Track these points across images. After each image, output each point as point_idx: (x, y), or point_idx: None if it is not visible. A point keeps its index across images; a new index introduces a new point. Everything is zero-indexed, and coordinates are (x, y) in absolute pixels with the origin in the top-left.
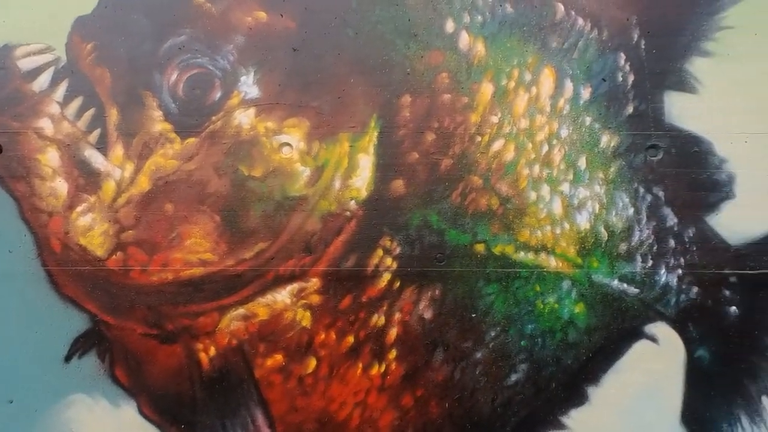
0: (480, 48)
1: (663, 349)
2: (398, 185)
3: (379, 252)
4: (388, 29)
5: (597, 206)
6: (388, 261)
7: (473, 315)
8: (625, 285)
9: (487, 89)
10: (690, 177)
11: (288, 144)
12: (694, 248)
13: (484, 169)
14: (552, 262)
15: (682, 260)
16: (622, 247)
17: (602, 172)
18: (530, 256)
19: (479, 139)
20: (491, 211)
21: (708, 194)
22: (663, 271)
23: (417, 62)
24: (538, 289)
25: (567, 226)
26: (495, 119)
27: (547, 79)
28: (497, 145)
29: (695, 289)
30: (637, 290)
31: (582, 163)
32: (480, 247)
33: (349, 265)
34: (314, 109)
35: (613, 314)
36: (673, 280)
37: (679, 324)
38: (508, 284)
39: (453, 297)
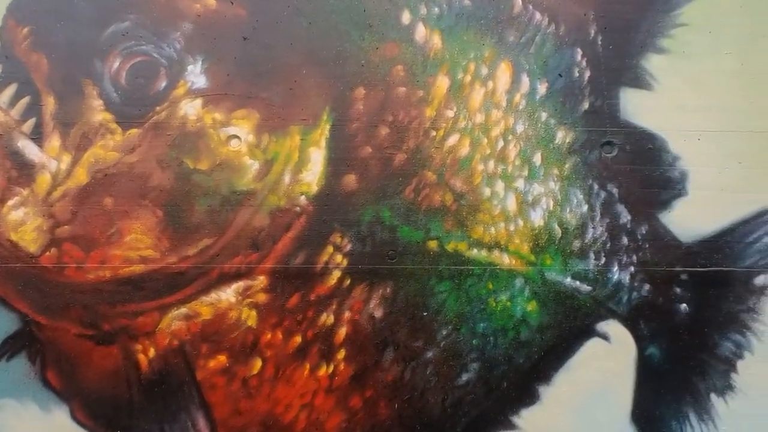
0: (436, 41)
1: (614, 347)
2: (350, 180)
3: (329, 249)
4: (342, 19)
5: (551, 203)
6: (339, 258)
7: (425, 313)
8: (577, 282)
9: (442, 83)
10: (644, 174)
11: (236, 136)
12: (647, 245)
13: (438, 164)
14: (505, 260)
15: (634, 258)
16: (576, 244)
17: (557, 168)
18: (483, 253)
19: (434, 133)
20: (445, 208)
21: (661, 191)
22: (616, 268)
23: (372, 54)
24: (490, 286)
25: (521, 222)
26: (450, 113)
27: (504, 73)
28: (452, 140)
29: (647, 287)
30: (589, 288)
31: (537, 159)
32: (433, 244)
33: (298, 263)
34: (264, 101)
35: (566, 312)
36: (626, 278)
37: (630, 322)
38: (460, 282)
39: (404, 295)
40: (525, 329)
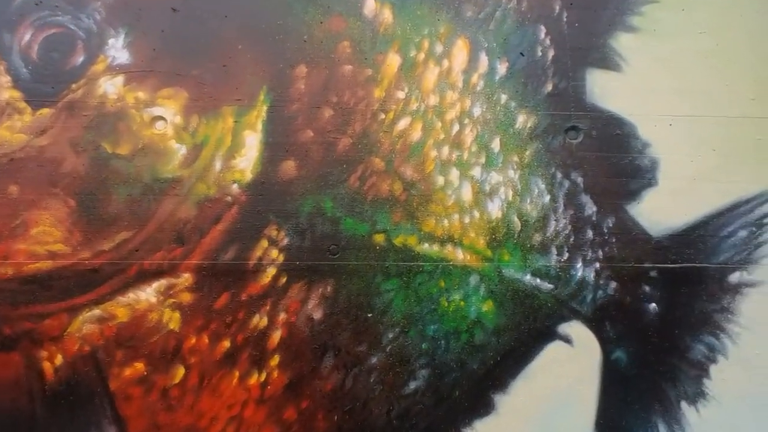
0: (387, 15)
1: (577, 351)
2: (289, 167)
3: (264, 243)
4: None
5: (510, 193)
6: (274, 253)
7: (369, 315)
8: (538, 280)
9: (393, 61)
10: (611, 162)
11: (162, 118)
12: (613, 240)
13: (387, 150)
14: (459, 255)
15: (600, 253)
16: (536, 238)
17: (517, 155)
18: (435, 248)
19: (383, 116)
20: (393, 198)
21: (629, 181)
22: (579, 264)
23: (315, 29)
24: (442, 284)
25: (477, 214)
26: (401, 95)
27: (461, 51)
28: (403, 123)
29: (613, 285)
30: (551, 286)
31: (496, 145)
32: (379, 238)
33: (228, 258)
34: (194, 79)
35: (525, 313)
36: (590, 275)
37: (595, 323)
38: (409, 280)
39: (347, 294)
40: (480, 332)
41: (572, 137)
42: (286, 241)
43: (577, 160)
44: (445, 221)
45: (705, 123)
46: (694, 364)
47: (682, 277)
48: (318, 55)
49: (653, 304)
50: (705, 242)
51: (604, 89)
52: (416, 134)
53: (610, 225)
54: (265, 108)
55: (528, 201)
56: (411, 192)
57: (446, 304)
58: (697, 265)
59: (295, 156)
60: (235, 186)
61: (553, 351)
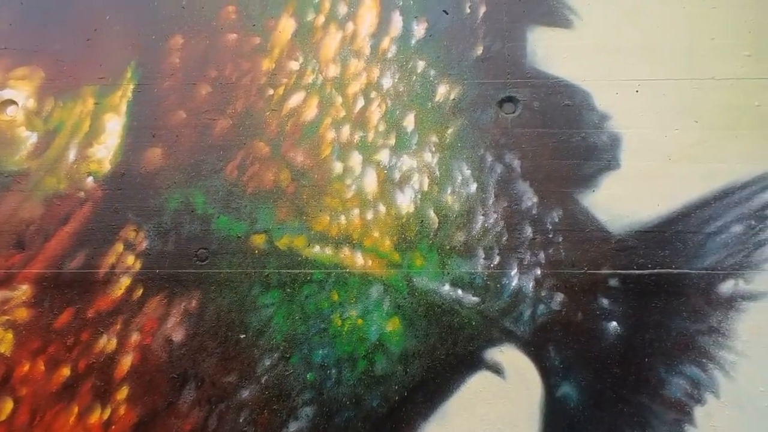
0: None
1: (511, 384)
2: (154, 155)
3: (119, 247)
4: None
5: (426, 181)
6: (130, 260)
7: (242, 336)
8: (459, 291)
9: (286, 26)
10: (557, 140)
11: (13, 102)
12: (560, 239)
13: (274, 132)
14: (358, 260)
15: (542, 256)
16: (459, 237)
17: (436, 134)
18: (328, 251)
19: (271, 92)
20: (279, 190)
21: (582, 164)
22: (514, 271)
23: None
24: (336, 298)
25: (382, 209)
26: (294, 66)
27: (369, 11)
28: (295, 99)
29: (559, 297)
30: (476, 299)
31: (409, 122)
32: (259, 240)
33: (75, 266)
34: (53, 56)
35: (441, 334)
36: (529, 285)
37: (535, 348)
38: (294, 292)
39: (215, 310)
40: (382, 358)
41: (507, 110)
42: (145, 244)
43: (513, 138)
44: (342, 218)
45: (683, 87)
46: (671, 404)
47: (654, 286)
48: (197, 23)
49: (614, 323)
50: (685, 241)
51: (550, 50)
52: (311, 112)
53: (556, 220)
54: (131, 87)
55: (449, 191)
56: (301, 182)
57: (340, 323)
58: (675, 271)
59: (163, 142)
60: (90, 179)
61: (477, 384)
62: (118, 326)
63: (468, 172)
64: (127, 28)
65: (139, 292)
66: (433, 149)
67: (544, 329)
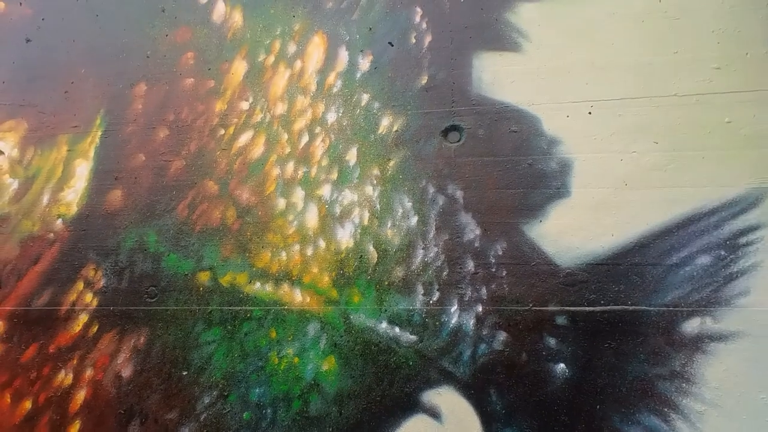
0: (237, 18)
1: (448, 429)
2: (115, 197)
3: (79, 285)
4: (134, 7)
5: (366, 215)
6: (88, 297)
7: (184, 373)
8: (397, 329)
9: (238, 68)
10: (503, 168)
11: (1, 152)
12: (504, 273)
13: (223, 170)
14: (297, 297)
15: (483, 291)
16: (397, 273)
17: (378, 167)
18: (268, 288)
19: (222, 132)
20: (225, 227)
21: (529, 192)
22: (454, 308)
23: (160, 43)
24: (273, 335)
25: (322, 244)
26: (245, 105)
27: (317, 48)
28: (244, 138)
29: (502, 336)
30: (413, 337)
31: (351, 156)
32: (204, 277)
33: (41, 303)
34: (36, 108)
35: (377, 374)
36: (469, 322)
37: (475, 391)
38: (234, 329)
39: (161, 347)
40: (317, 398)
41: (452, 140)
42: (102, 282)
43: (457, 168)
44: (283, 254)
45: (642, 106)
46: None
47: (607, 325)
48: (159, 70)
49: (562, 365)
50: (642, 274)
51: (497, 76)
52: (258, 150)
53: (500, 253)
54: (99, 133)
55: (389, 225)
56: (245, 219)
57: (276, 361)
58: (631, 307)
59: (124, 184)
60: (59, 221)
61: (414, 428)
62: (75, 361)
63: (409, 205)
64: (99, 79)
65: (95, 328)
66: (375, 182)
67: (485, 371)
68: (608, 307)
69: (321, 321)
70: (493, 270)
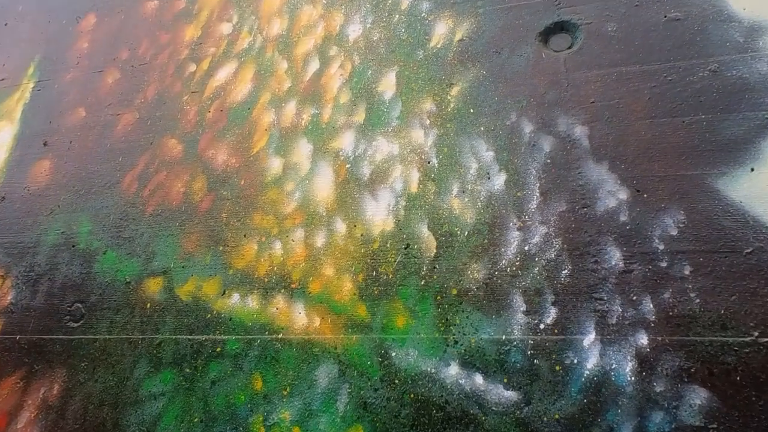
0: None
1: None
2: (41, 170)
3: None
4: None
5: (415, 177)
6: None
7: None
8: (479, 378)
9: None
10: (661, 81)
11: None
12: (687, 269)
13: (191, 122)
14: (298, 318)
15: (647, 306)
16: (474, 273)
17: (433, 98)
18: (252, 303)
19: (192, 68)
20: (189, 207)
21: (718, 120)
22: (591, 337)
23: None
24: (258, 385)
25: (342, 227)
26: (226, 28)
27: None
28: (223, 73)
29: (699, 396)
30: (512, 395)
31: (387, 85)
32: (153, 286)
33: None
34: None
35: None
36: (625, 366)
37: None
38: (195, 372)
39: (82, 403)
40: None
41: (558, 46)
42: (10, 296)
43: (571, 89)
44: (277, 246)
45: None
46: None
47: None
48: None
49: None
50: None
51: None
52: (242, 88)
53: (672, 231)
54: (31, 85)
55: (454, 190)
56: (220, 193)
57: None
58: None
59: (54, 151)
60: None
61: None
62: None
63: (489, 155)
64: (38, 17)
65: None
66: (428, 123)
67: None
68: None
69: (340, 361)
70: (663, 265)
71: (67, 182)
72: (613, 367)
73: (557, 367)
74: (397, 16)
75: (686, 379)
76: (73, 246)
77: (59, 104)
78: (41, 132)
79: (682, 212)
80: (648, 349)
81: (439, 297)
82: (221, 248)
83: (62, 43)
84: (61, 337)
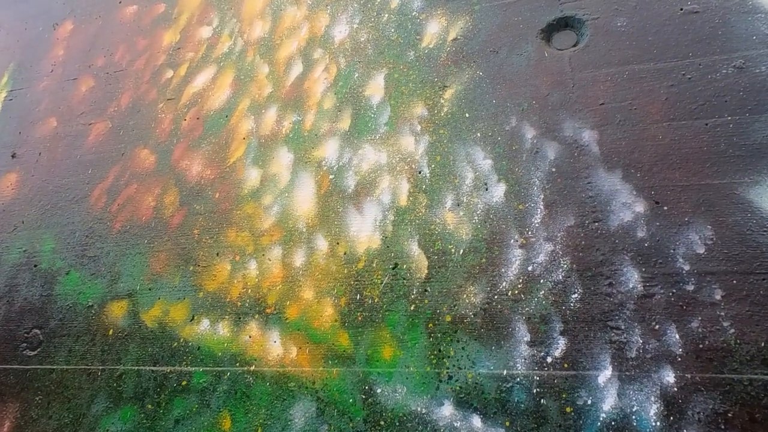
0: None
1: None
2: (7, 184)
3: None
4: None
5: (404, 189)
6: None
7: None
8: (476, 421)
9: None
10: (679, 80)
11: None
12: (718, 294)
13: (165, 131)
14: (273, 348)
15: (673, 337)
16: (471, 297)
17: (424, 102)
18: (223, 330)
19: (169, 74)
20: (159, 223)
21: (748, 122)
22: (606, 374)
23: None
24: (226, 425)
25: (324, 245)
26: (206, 32)
27: None
28: (201, 79)
29: None
30: None
31: (375, 89)
32: (117, 310)
33: None
34: None
35: None
36: (648, 410)
37: None
38: (158, 408)
39: None
40: None
41: (562, 43)
42: None
43: (577, 90)
44: (252, 265)
45: None
46: None
47: None
48: (94, 2)
49: None
50: None
51: None
52: (220, 95)
53: (699, 250)
54: (3, 95)
55: (448, 203)
56: (193, 208)
57: None
58: None
59: (22, 164)
60: None
61: None
62: None
63: (486, 164)
64: (15, 25)
65: None
66: (419, 129)
67: None
68: None
69: (318, 398)
70: (689, 288)
71: (33, 197)
72: (634, 409)
73: (568, 409)
74: (387, 15)
75: (723, 426)
76: (35, 266)
77: (31, 114)
78: (10, 143)
79: (709, 227)
80: (675, 389)
81: (431, 324)
82: (191, 268)
83: (38, 51)
84: (15, 366)
